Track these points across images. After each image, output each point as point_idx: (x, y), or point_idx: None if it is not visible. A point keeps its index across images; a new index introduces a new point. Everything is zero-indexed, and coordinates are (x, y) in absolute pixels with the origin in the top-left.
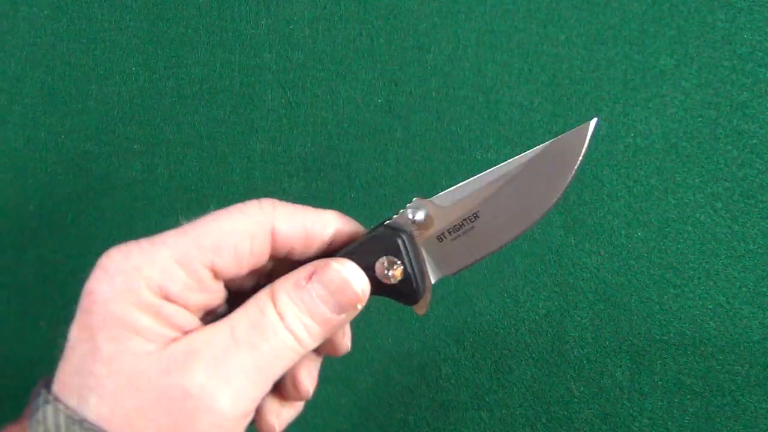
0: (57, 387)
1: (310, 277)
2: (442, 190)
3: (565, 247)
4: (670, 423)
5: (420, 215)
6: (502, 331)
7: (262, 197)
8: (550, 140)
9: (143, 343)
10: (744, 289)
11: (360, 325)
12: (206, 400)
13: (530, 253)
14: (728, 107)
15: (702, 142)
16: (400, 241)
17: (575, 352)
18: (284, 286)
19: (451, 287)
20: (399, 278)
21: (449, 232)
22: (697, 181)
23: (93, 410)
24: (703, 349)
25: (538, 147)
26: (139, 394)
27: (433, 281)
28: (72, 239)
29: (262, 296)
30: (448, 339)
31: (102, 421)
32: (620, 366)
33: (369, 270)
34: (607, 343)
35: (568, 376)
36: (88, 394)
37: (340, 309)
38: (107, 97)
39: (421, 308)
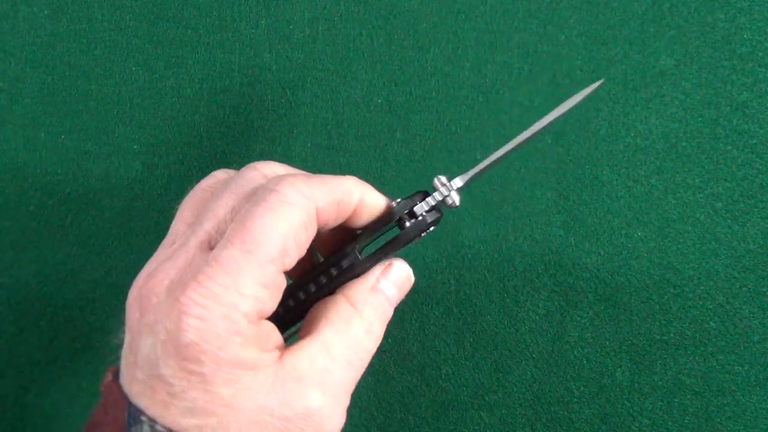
0: (166, 422)
1: (378, 281)
2: None
3: (565, 247)
4: (670, 423)
5: (450, 199)
6: (502, 331)
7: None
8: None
9: (254, 378)
10: (744, 289)
11: None
12: (324, 419)
13: (530, 253)
14: (728, 107)
15: (702, 142)
16: (417, 197)
17: (575, 352)
18: (362, 292)
19: (451, 287)
20: (428, 213)
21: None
22: (697, 181)
23: None
24: (703, 349)
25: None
26: (263, 426)
27: (460, 184)
28: (72, 239)
29: (343, 307)
30: (448, 339)
31: None
32: (620, 366)
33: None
34: (607, 343)
35: (568, 376)
36: (205, 429)
37: (399, 300)
38: (107, 97)
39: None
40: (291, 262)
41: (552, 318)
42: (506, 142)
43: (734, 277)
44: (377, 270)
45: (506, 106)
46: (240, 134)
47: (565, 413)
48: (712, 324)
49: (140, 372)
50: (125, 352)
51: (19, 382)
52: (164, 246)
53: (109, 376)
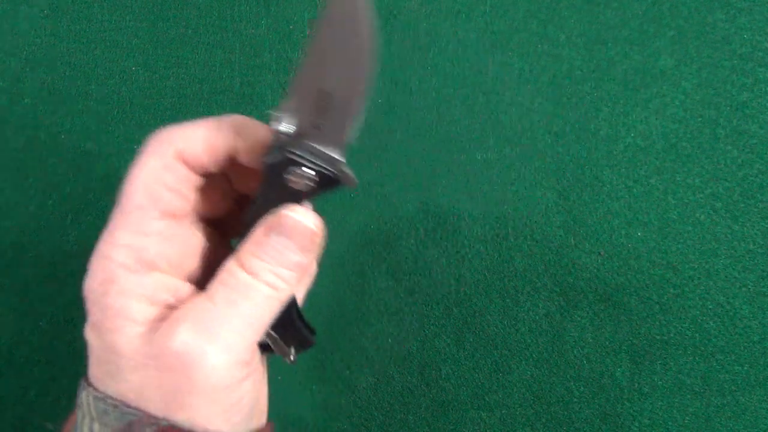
0: (89, 378)
1: (267, 234)
2: (441, 190)
3: (565, 247)
4: (670, 423)
5: (283, 126)
6: (502, 331)
7: None
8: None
9: (135, 327)
10: (744, 289)
11: (360, 324)
12: (193, 355)
13: (530, 253)
14: (728, 107)
15: (702, 142)
16: (289, 151)
17: (575, 352)
18: (246, 248)
19: (451, 287)
20: (314, 177)
21: (319, 118)
22: (697, 181)
23: (112, 390)
24: (703, 349)
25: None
26: (142, 368)
27: (343, 160)
28: (72, 239)
29: (228, 263)
30: (448, 339)
31: (119, 397)
32: (620, 366)
33: (285, 191)
34: (607, 343)
35: (568, 376)
36: (106, 378)
37: (303, 249)
38: (107, 97)
39: (352, 182)
40: (167, 205)
41: (552, 318)
42: (505, 142)
43: (734, 277)
44: (262, 225)
45: (506, 106)
46: None
47: (565, 413)
48: (712, 324)
49: None
50: None
51: (19, 382)
52: None
53: None
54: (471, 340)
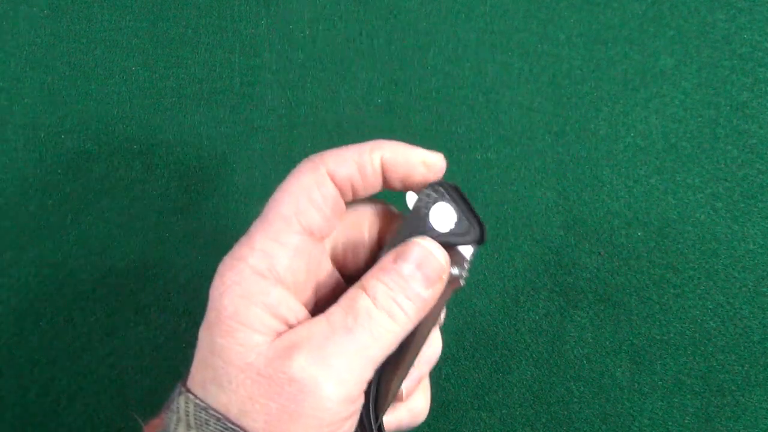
0: (188, 381)
1: (395, 261)
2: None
3: (565, 247)
4: (670, 423)
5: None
6: (502, 331)
7: (263, 197)
8: None
9: (251, 335)
10: (744, 289)
11: None
12: (309, 384)
13: (530, 253)
14: (728, 107)
15: (702, 142)
16: (441, 189)
17: (575, 352)
18: (371, 272)
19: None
20: (453, 223)
21: None
22: (697, 181)
23: (214, 399)
24: (703, 349)
25: None
26: (249, 383)
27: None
28: (72, 239)
29: (353, 288)
30: (448, 339)
31: (222, 409)
32: (620, 366)
33: (424, 227)
34: (607, 343)
35: (568, 376)
36: (209, 385)
37: (429, 282)
38: (107, 97)
39: (483, 239)
40: (310, 221)
41: (552, 318)
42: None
43: (734, 277)
44: (392, 253)
45: (506, 106)
46: (240, 134)
47: (565, 413)
48: (712, 324)
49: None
50: None
51: (19, 382)
52: None
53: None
54: (471, 340)
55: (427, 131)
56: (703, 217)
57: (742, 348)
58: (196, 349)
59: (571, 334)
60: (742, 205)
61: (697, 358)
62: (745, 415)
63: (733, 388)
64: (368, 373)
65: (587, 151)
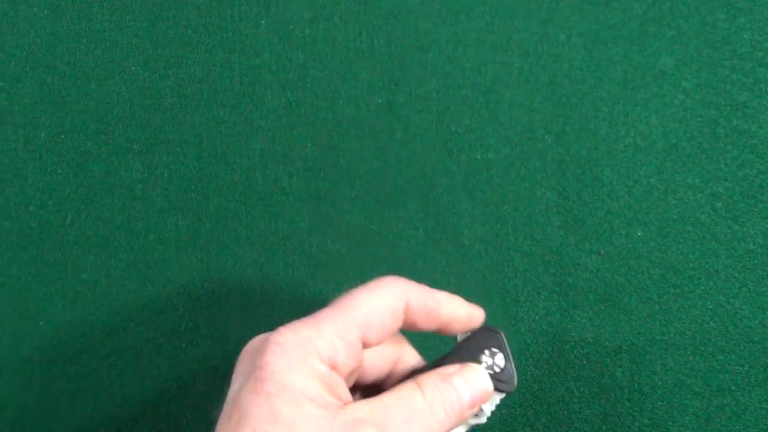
0: None
1: (454, 376)
2: (442, 190)
3: (565, 247)
4: (670, 423)
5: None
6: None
7: (263, 197)
8: None
9: (317, 409)
10: (744, 289)
11: None
12: None
13: (530, 253)
14: (728, 107)
15: (702, 142)
16: (499, 336)
17: (575, 352)
18: (431, 378)
19: (451, 287)
20: (500, 368)
21: None
22: (697, 181)
23: None
24: (703, 349)
25: None
26: None
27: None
28: (72, 239)
29: (409, 384)
30: (448, 339)
31: None
32: (620, 366)
33: (477, 360)
34: (607, 343)
35: (568, 376)
36: None
37: (473, 405)
38: (107, 97)
39: (511, 390)
40: (371, 334)
41: (552, 318)
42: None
43: (734, 277)
44: (453, 366)
45: (506, 106)
46: (240, 134)
47: (565, 413)
48: (712, 324)
49: (223, 414)
50: None
51: (19, 382)
52: None
53: None
54: None
55: (427, 131)
56: (703, 217)
57: (742, 348)
58: (240, 414)
59: (571, 334)
60: (742, 205)
61: (697, 358)
62: (745, 415)
63: (733, 388)
64: None
65: (587, 151)
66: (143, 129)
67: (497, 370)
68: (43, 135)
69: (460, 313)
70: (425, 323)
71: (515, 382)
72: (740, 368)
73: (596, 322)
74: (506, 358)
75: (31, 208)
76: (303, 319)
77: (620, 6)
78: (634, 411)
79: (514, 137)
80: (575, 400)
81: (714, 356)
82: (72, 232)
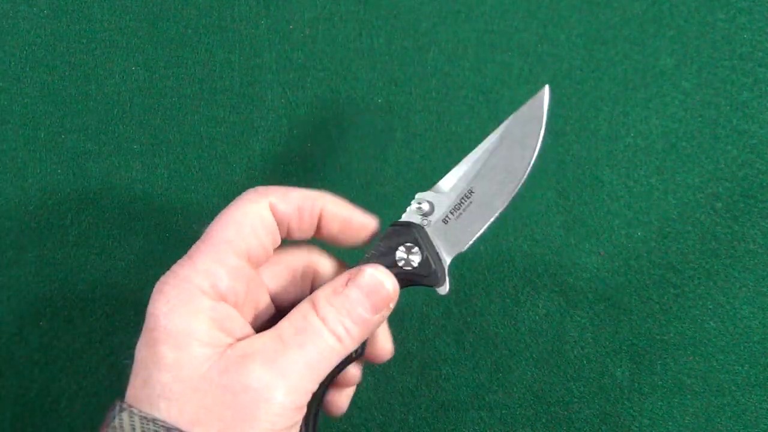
0: (129, 399)
1: (346, 284)
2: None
3: (565, 247)
4: (670, 423)
5: (424, 205)
6: (502, 331)
7: None
8: (513, 113)
9: (201, 348)
10: (744, 289)
11: None
12: (264, 392)
13: (530, 253)
14: (728, 107)
15: (702, 142)
16: (413, 230)
17: (575, 352)
18: (323, 293)
19: (451, 287)
20: (417, 263)
21: (452, 213)
22: (697, 181)
23: (163, 413)
24: (703, 349)
25: (505, 121)
26: (203, 394)
27: (447, 261)
28: (72, 239)
29: (303, 305)
30: (448, 339)
31: (172, 422)
32: (620, 366)
33: (391, 264)
34: (607, 343)
35: (568, 376)
36: (158, 400)
37: (375, 309)
38: (107, 97)
39: (443, 289)
40: (249, 246)
41: (552, 318)
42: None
43: (734, 277)
44: (344, 275)
45: (506, 106)
46: (240, 134)
47: (565, 413)
48: (712, 324)
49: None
50: None
51: (19, 382)
52: None
53: None
54: (471, 340)
55: (427, 131)
56: (703, 217)
57: (742, 348)
58: (136, 367)
59: (571, 334)
60: (742, 205)
61: (697, 358)
62: (745, 415)
63: (733, 388)
64: (314, 386)
65: (587, 151)
66: (143, 129)
67: (414, 265)
68: (43, 135)
69: (333, 204)
70: (299, 224)
71: (439, 274)
72: (740, 368)
73: (596, 322)
74: (422, 251)
75: (31, 208)
76: (179, 261)
77: (620, 6)
78: (634, 411)
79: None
80: (575, 400)
81: (714, 356)
82: (72, 232)
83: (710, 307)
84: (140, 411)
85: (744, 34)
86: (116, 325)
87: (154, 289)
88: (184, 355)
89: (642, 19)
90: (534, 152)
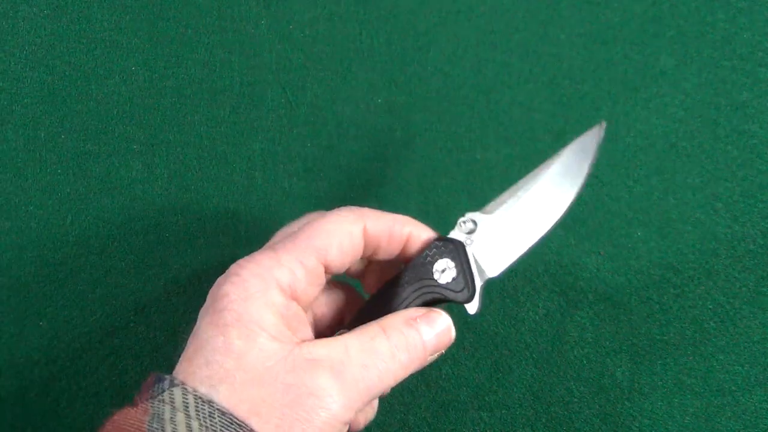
0: (182, 376)
1: (420, 319)
2: (442, 191)
3: (565, 247)
4: (670, 423)
5: (469, 224)
6: (502, 331)
7: (262, 197)
8: (568, 145)
9: (270, 342)
10: (744, 289)
11: None
12: (326, 400)
13: (530, 253)
14: (728, 107)
15: (702, 142)
16: (455, 246)
17: (575, 352)
18: (395, 321)
19: (480, 307)
20: (452, 278)
21: (494, 236)
22: (697, 181)
23: (221, 398)
24: (703, 349)
25: (559, 152)
26: (266, 387)
27: (480, 282)
28: (72, 239)
29: (373, 327)
30: None
31: (230, 408)
32: (620, 366)
33: (429, 274)
34: (607, 343)
35: (568, 376)
36: (218, 383)
37: (435, 350)
38: (107, 97)
39: (472, 307)
40: (331, 259)
41: (552, 318)
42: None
43: (734, 277)
44: (416, 310)
45: (506, 106)
46: (240, 134)
47: (565, 413)
48: (712, 324)
49: (185, 347)
50: None
51: (19, 382)
52: None
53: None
54: (471, 340)
55: (427, 131)
56: (703, 217)
57: (742, 348)
58: (196, 344)
59: (571, 334)
60: (742, 205)
61: (697, 358)
62: (745, 415)
63: (733, 388)
64: (367, 402)
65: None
66: (143, 129)
67: (449, 280)
68: (43, 135)
69: (418, 229)
70: (387, 245)
71: (471, 291)
72: (740, 368)
73: (596, 322)
74: (458, 267)
75: (31, 208)
76: (261, 249)
77: (620, 6)
78: (634, 411)
79: (514, 137)
80: (575, 400)
81: (714, 356)
82: (72, 232)
83: (710, 307)
84: (195, 390)
85: (744, 34)
86: (116, 325)
87: (231, 270)
88: (252, 345)
89: (642, 19)
90: (579, 187)
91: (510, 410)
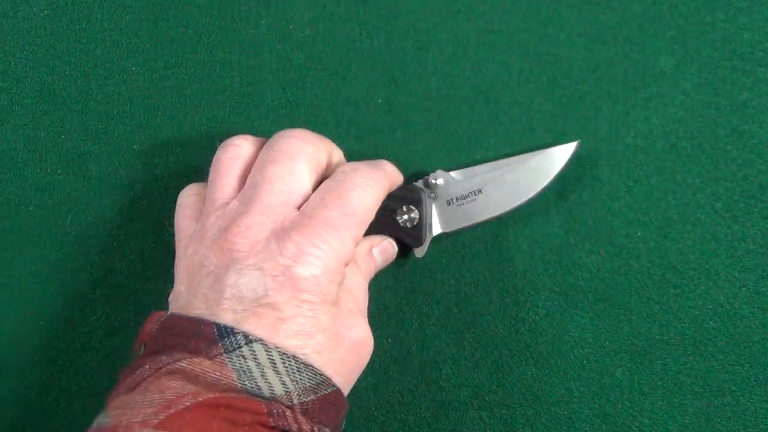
0: (275, 341)
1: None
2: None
3: (565, 247)
4: (670, 423)
5: (439, 181)
6: (502, 331)
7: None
8: (543, 149)
9: (338, 310)
10: (744, 289)
11: None
12: (370, 344)
13: (530, 253)
14: (728, 107)
15: (702, 142)
16: (421, 195)
17: (575, 352)
18: (361, 254)
19: (451, 287)
20: (413, 223)
21: (456, 199)
22: (697, 181)
23: (311, 358)
24: (703, 349)
25: (532, 152)
26: (339, 348)
27: (434, 233)
28: (72, 239)
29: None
30: (448, 339)
31: (318, 366)
32: (620, 366)
33: (392, 213)
34: (607, 343)
35: (568, 376)
36: (310, 352)
37: (382, 266)
38: (107, 97)
39: (420, 252)
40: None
41: (552, 318)
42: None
43: (734, 277)
44: (373, 240)
45: (506, 106)
46: (240, 134)
47: (565, 413)
48: (712, 324)
49: (236, 304)
50: (192, 294)
51: (19, 382)
52: (214, 208)
53: (155, 319)
54: (471, 340)
55: (427, 131)
56: (703, 217)
57: (742, 348)
58: (280, 312)
59: (571, 334)
60: (742, 205)
61: (697, 358)
62: (745, 415)
63: (733, 388)
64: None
65: (587, 151)
66: (143, 129)
67: (408, 225)
68: (43, 135)
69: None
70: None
71: (423, 239)
72: (740, 368)
73: (596, 322)
74: (420, 214)
75: (31, 208)
76: (311, 221)
77: (620, 6)
78: (634, 411)
79: (514, 137)
80: (575, 400)
81: (714, 356)
82: (72, 232)
83: (710, 307)
84: (278, 347)
85: (744, 34)
86: (116, 325)
87: (306, 245)
88: (332, 318)
89: (642, 19)
90: (540, 188)
91: (510, 410)
